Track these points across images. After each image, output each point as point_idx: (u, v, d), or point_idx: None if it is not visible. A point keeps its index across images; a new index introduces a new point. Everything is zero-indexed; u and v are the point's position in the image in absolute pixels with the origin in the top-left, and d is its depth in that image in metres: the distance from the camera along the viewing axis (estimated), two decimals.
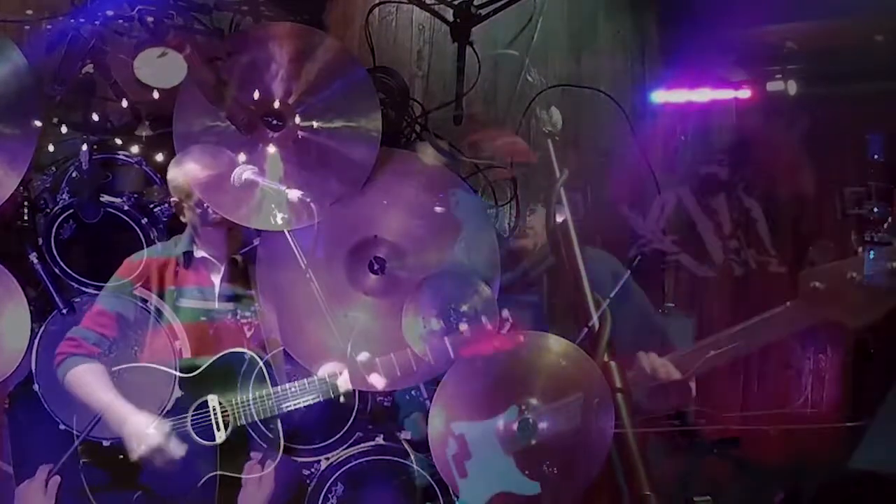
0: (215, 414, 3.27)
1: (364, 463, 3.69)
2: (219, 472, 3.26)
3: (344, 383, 3.25)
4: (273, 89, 3.34)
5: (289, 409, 3.27)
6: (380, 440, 3.73)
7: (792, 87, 4.69)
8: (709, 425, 3.80)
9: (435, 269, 3.35)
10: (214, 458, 3.26)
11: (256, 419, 3.27)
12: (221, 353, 3.33)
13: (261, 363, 3.30)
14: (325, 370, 3.29)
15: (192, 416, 3.28)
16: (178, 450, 3.24)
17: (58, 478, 3.27)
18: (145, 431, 3.21)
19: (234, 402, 3.27)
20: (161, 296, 3.42)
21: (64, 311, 3.65)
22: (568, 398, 2.81)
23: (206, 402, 3.28)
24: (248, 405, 3.26)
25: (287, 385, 3.28)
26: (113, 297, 3.41)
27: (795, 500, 3.97)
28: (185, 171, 3.32)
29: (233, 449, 3.28)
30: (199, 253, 3.45)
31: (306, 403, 3.28)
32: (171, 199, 3.48)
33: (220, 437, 3.27)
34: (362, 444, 3.72)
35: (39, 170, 3.83)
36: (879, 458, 3.34)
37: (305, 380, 3.28)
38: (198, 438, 3.27)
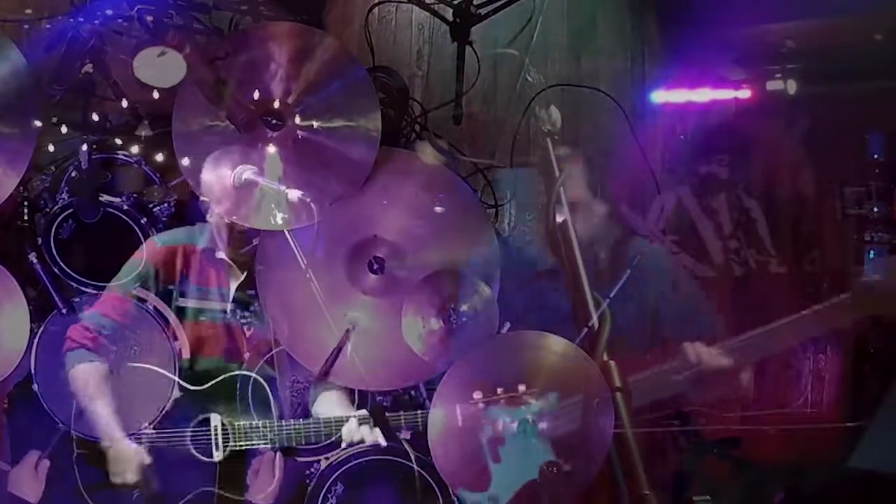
0: (216, 434, 3.26)
1: (364, 462, 3.69)
2: (216, 490, 3.26)
3: (349, 434, 3.24)
4: (272, 89, 3.33)
5: (290, 444, 3.28)
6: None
7: (791, 87, 4.68)
8: (709, 425, 3.79)
9: (435, 268, 3.34)
10: (213, 472, 3.26)
11: (256, 447, 3.27)
12: (232, 373, 3.31)
13: (267, 388, 3.28)
14: (333, 413, 3.30)
15: (193, 430, 3.28)
16: (153, 484, 3.20)
17: (47, 462, 3.25)
18: (128, 461, 3.19)
19: (236, 427, 3.27)
20: (180, 283, 3.42)
21: (63, 310, 3.65)
22: (567, 401, 2.80)
23: (209, 419, 3.28)
24: (250, 433, 3.26)
25: (292, 422, 3.28)
26: (131, 284, 3.38)
27: (795, 499, 3.96)
28: (220, 176, 3.26)
29: (231, 468, 3.29)
30: (220, 254, 3.45)
31: (307, 442, 3.28)
32: (202, 198, 3.41)
33: (218, 456, 3.26)
34: (362, 444, 3.70)
35: (39, 169, 3.82)
36: (878, 457, 3.34)
37: (311, 420, 3.29)
38: (195, 454, 3.26)
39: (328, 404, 3.41)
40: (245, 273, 3.45)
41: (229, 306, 3.44)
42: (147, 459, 3.20)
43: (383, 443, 3.22)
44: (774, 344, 2.82)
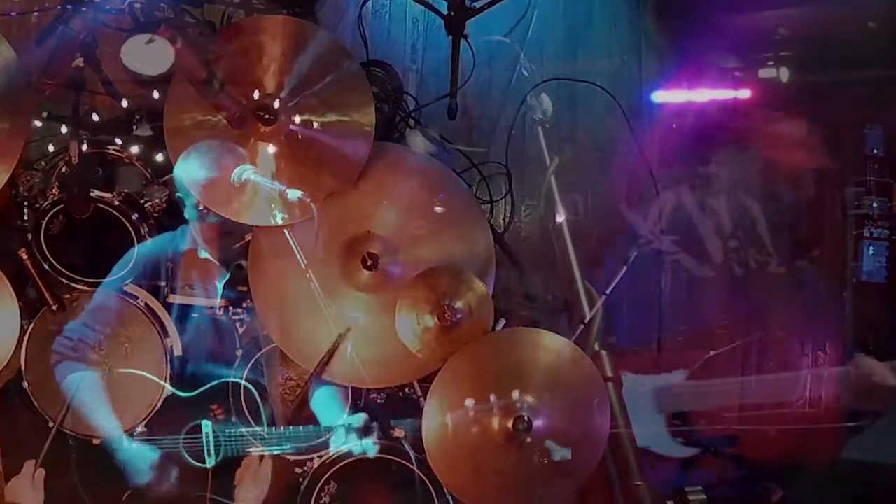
0: (208, 440, 3.24)
1: (357, 460, 3.65)
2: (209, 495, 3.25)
3: (336, 443, 3.27)
4: (265, 83, 3.31)
5: (282, 451, 3.28)
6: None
7: (784, 74, 4.64)
8: (709, 425, 3.79)
9: (429, 264, 3.33)
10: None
11: (248, 453, 3.27)
12: (220, 379, 3.31)
13: (256, 395, 3.27)
14: (327, 412, 3.34)
15: (185, 437, 3.27)
16: (171, 477, 3.22)
17: (42, 470, 3.23)
18: (139, 462, 3.20)
19: (228, 434, 3.26)
20: (162, 290, 3.41)
21: (54, 307, 3.61)
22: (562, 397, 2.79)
23: (200, 426, 3.26)
24: (242, 440, 3.25)
25: (282, 429, 3.28)
26: (113, 292, 3.37)
27: (794, 497, 3.95)
28: (192, 170, 3.25)
29: (223, 472, 3.28)
30: (203, 254, 3.44)
31: (298, 448, 3.29)
32: (176, 195, 3.43)
33: (211, 462, 3.25)
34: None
35: (29, 165, 3.80)
36: (873, 449, 3.33)
37: (301, 427, 3.29)
38: (189, 459, 3.25)
39: (323, 403, 3.40)
40: (229, 270, 3.42)
41: (217, 305, 3.42)
42: (155, 457, 3.22)
43: (371, 454, 3.27)
44: None
